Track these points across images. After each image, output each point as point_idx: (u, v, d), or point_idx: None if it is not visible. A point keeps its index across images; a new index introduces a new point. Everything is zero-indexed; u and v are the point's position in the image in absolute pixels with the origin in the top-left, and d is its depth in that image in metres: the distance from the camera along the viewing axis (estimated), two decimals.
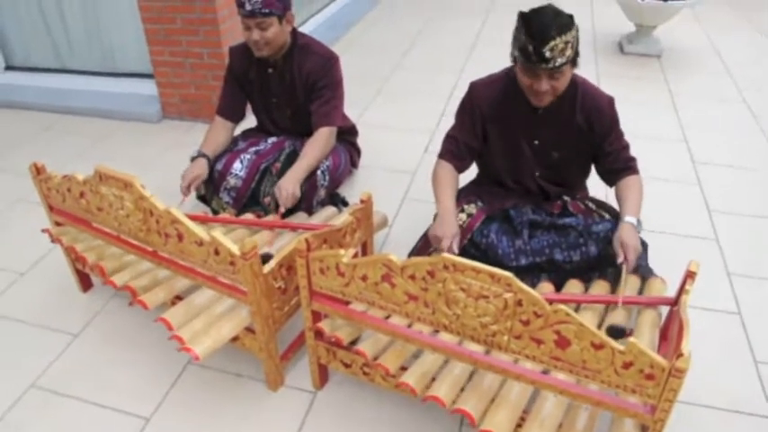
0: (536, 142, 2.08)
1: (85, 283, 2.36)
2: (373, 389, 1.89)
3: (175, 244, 1.77)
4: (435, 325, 1.53)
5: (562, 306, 1.32)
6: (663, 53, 4.75)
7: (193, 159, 2.45)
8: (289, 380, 1.98)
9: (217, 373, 2.01)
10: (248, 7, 2.26)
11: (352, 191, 2.95)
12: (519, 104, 2.01)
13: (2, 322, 2.25)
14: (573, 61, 1.84)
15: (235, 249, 1.61)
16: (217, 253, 1.68)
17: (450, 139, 2.17)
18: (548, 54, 1.75)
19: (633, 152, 2.07)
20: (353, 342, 1.77)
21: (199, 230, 1.68)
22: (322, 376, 1.94)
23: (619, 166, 2.05)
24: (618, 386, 1.35)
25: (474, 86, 2.12)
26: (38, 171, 2.08)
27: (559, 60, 1.77)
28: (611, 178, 2.09)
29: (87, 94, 3.98)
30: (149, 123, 3.74)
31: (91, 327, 2.21)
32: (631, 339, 1.29)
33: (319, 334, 1.77)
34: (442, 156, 2.17)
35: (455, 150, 2.15)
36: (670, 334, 1.73)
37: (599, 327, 1.77)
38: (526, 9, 1.80)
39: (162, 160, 3.28)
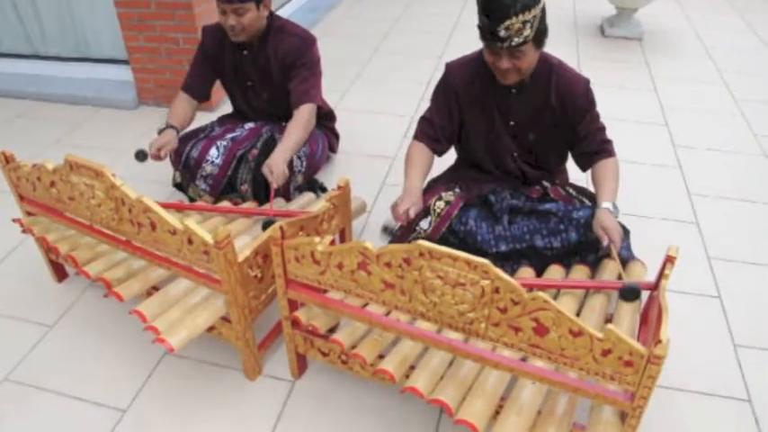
0: (512, 123, 2.06)
1: (60, 273, 2.31)
2: (353, 377, 1.87)
3: (149, 233, 1.73)
4: (413, 313, 1.51)
5: (540, 293, 1.31)
6: (644, 36, 4.75)
7: (161, 131, 2.39)
8: (267, 369, 1.96)
9: (194, 362, 1.98)
10: None
11: (331, 176, 2.92)
12: (494, 84, 1.98)
13: None
14: (537, 41, 1.80)
15: (208, 238, 1.58)
16: (190, 242, 1.64)
17: (424, 120, 2.14)
18: (502, 33, 1.71)
19: (611, 135, 2.05)
20: (332, 330, 1.75)
21: (172, 219, 1.65)
22: (300, 365, 1.91)
23: (593, 148, 2.02)
24: (597, 373, 1.34)
25: (449, 67, 2.09)
26: (6, 160, 2.03)
27: (516, 40, 1.73)
28: (585, 161, 2.06)
29: (61, 80, 3.89)
30: (125, 110, 3.68)
31: (66, 318, 2.17)
32: (609, 326, 1.27)
33: (296, 323, 1.75)
34: (416, 136, 2.14)
35: (430, 132, 2.12)
36: (650, 318, 1.73)
37: (577, 313, 1.76)
38: None
39: (141, 145, 3.20)
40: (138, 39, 3.45)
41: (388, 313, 1.63)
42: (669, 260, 1.70)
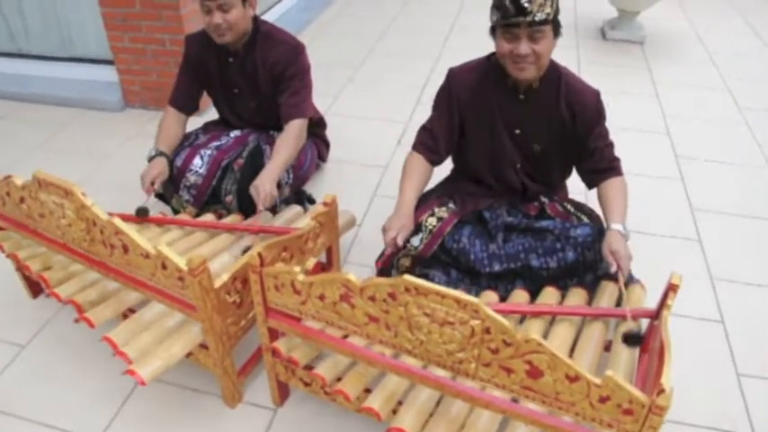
0: (517, 131, 1.97)
1: (35, 288, 2.22)
2: (337, 405, 1.78)
3: (121, 256, 1.63)
4: (398, 348, 1.42)
5: (534, 336, 1.21)
6: (646, 40, 4.64)
7: (151, 159, 2.30)
8: (248, 395, 1.87)
9: (172, 387, 1.89)
10: None
11: (320, 186, 2.82)
12: (500, 91, 1.90)
13: None
14: (555, 26, 1.73)
15: (182, 264, 1.48)
16: (164, 267, 1.54)
17: (424, 131, 2.05)
18: (526, 5, 1.65)
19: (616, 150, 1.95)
20: (314, 360, 1.66)
21: (144, 243, 1.55)
22: (282, 393, 1.82)
23: (603, 165, 1.93)
24: (593, 419, 1.25)
25: (452, 73, 2.00)
26: None
27: (539, 15, 1.66)
28: (593, 179, 1.97)
29: (45, 80, 3.78)
30: (111, 112, 3.56)
31: (39, 337, 2.08)
32: (608, 373, 1.18)
33: (277, 351, 1.66)
34: (414, 147, 2.06)
35: (429, 143, 2.03)
36: (651, 348, 1.64)
37: (574, 342, 1.67)
38: None
39: (124, 151, 3.12)
40: (123, 39, 3.34)
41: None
42: (672, 288, 1.61)
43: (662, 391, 1.15)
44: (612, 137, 1.95)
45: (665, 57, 4.41)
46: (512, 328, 1.23)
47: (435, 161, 2.06)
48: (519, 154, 2.01)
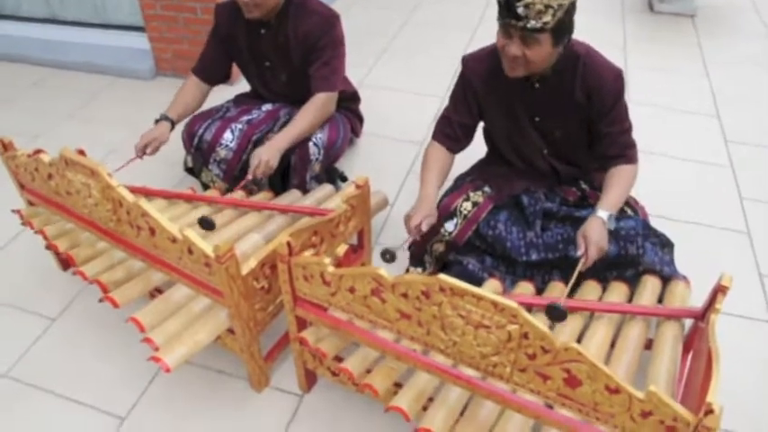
0: (537, 119, 1.89)
1: (65, 262, 2.21)
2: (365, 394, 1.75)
3: (148, 237, 1.60)
4: (430, 347, 1.36)
5: (573, 344, 1.15)
6: (697, 12, 4.40)
7: (157, 122, 2.25)
8: (275, 380, 1.84)
9: (198, 369, 1.88)
10: None
11: (352, 163, 2.75)
12: (515, 79, 1.79)
13: None
14: (555, 35, 1.62)
15: (209, 250, 1.44)
16: (190, 252, 1.50)
17: (443, 119, 1.99)
18: (521, 11, 1.55)
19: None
20: (343, 351, 1.61)
21: (170, 226, 1.51)
22: (309, 379, 1.79)
23: (613, 151, 1.83)
24: None
25: (466, 61, 1.92)
26: (5, 147, 1.90)
27: (533, 23, 1.56)
28: (602, 164, 1.89)
29: (79, 46, 3.75)
30: (143, 80, 3.53)
31: (69, 310, 2.08)
32: (651, 388, 1.11)
33: (305, 342, 1.62)
34: (434, 136, 2.00)
35: (448, 131, 1.97)
36: (695, 349, 1.56)
37: (613, 341, 1.60)
38: None
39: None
40: (155, 6, 3.28)
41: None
42: (721, 290, 1.52)
43: (710, 411, 1.07)
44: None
45: (718, 32, 4.18)
46: (551, 335, 1.16)
47: (456, 149, 2.00)
48: (542, 140, 1.94)
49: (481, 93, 1.91)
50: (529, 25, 1.57)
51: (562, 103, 1.83)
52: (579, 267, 1.63)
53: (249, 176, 2.05)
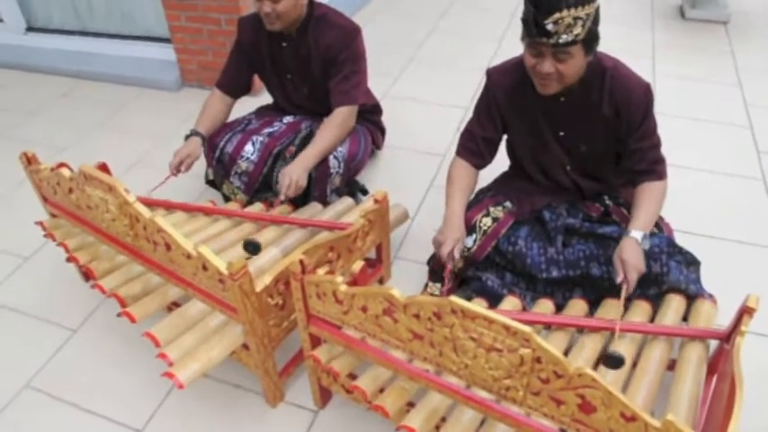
0: (561, 134, 1.85)
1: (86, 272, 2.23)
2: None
3: (164, 253, 1.61)
4: (442, 368, 1.34)
5: (588, 370, 1.11)
6: (730, 19, 4.29)
7: (187, 138, 2.28)
8: (290, 396, 1.83)
9: (215, 383, 1.88)
10: None
11: (374, 175, 2.74)
12: (539, 92, 1.76)
13: (1, 312, 2.16)
14: (587, 45, 1.59)
15: (222, 267, 1.44)
16: (205, 269, 1.51)
17: (467, 133, 1.97)
18: (550, 27, 1.52)
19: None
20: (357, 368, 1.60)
21: (185, 243, 1.51)
22: (324, 396, 1.78)
23: (642, 167, 1.79)
24: None
25: (490, 74, 1.90)
26: (29, 161, 1.94)
27: (564, 37, 1.53)
28: (630, 180, 1.84)
29: (106, 58, 3.81)
30: (168, 91, 3.57)
31: (90, 321, 2.10)
32: (669, 417, 1.07)
33: (317, 360, 1.60)
34: (458, 152, 1.99)
35: (472, 147, 1.95)
36: (720, 371, 1.51)
37: (635, 362, 1.55)
38: None
39: (182, 132, 3.03)
40: (180, 18, 3.32)
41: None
42: (747, 311, 1.47)
43: None
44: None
45: (752, 39, 4.07)
46: (564, 360, 1.13)
47: (480, 164, 1.98)
48: (566, 155, 1.90)
49: (505, 106, 1.88)
50: (561, 40, 1.54)
51: (588, 117, 1.79)
52: (624, 294, 1.58)
53: (281, 197, 2.06)
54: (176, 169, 2.19)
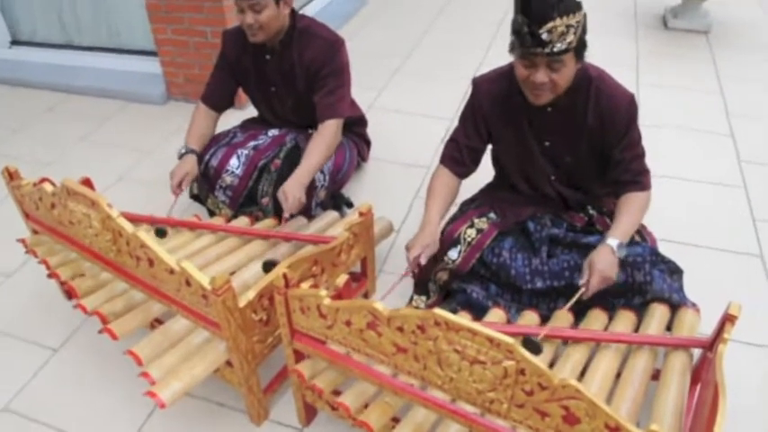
0: (547, 144, 1.86)
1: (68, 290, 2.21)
2: None
3: (147, 268, 1.59)
4: (427, 382, 1.33)
5: (572, 381, 1.11)
6: (711, 29, 4.35)
7: (181, 156, 2.27)
8: (274, 413, 1.82)
9: (198, 401, 1.86)
10: None
11: (359, 187, 2.74)
12: (526, 102, 1.77)
13: None
14: (577, 52, 1.61)
15: (205, 282, 1.43)
16: (188, 284, 1.49)
17: (451, 142, 1.97)
18: (545, 36, 1.53)
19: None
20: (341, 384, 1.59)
21: (167, 258, 1.50)
22: (309, 412, 1.76)
23: (626, 177, 1.80)
24: None
25: (476, 83, 1.90)
26: (11, 176, 1.92)
27: (558, 45, 1.54)
28: (614, 190, 1.86)
29: (92, 71, 3.80)
30: (154, 105, 3.56)
31: (72, 341, 2.08)
32: (653, 427, 1.07)
33: (301, 376, 1.59)
34: (441, 160, 1.98)
35: (456, 155, 1.95)
36: (703, 380, 1.52)
37: (619, 372, 1.55)
38: None
39: (167, 146, 3.09)
40: (167, 31, 3.32)
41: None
42: (729, 319, 1.48)
43: None
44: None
45: (733, 48, 4.12)
46: (548, 372, 1.13)
47: (462, 173, 1.98)
48: (551, 165, 1.91)
49: (491, 115, 1.88)
50: (555, 49, 1.55)
51: (573, 127, 1.80)
52: (576, 296, 1.60)
53: (286, 215, 2.05)
54: (178, 188, 2.18)
